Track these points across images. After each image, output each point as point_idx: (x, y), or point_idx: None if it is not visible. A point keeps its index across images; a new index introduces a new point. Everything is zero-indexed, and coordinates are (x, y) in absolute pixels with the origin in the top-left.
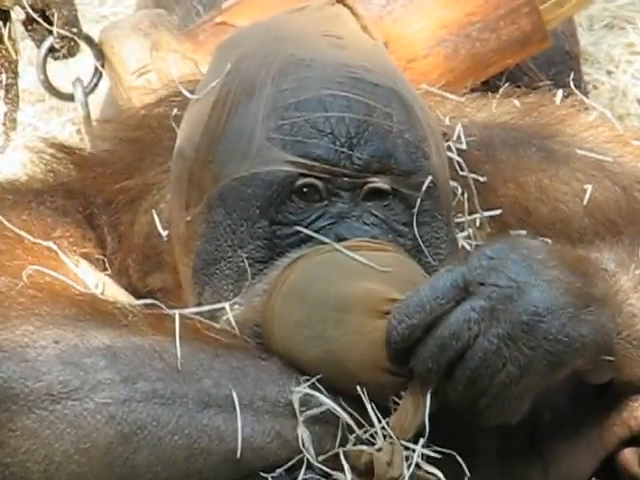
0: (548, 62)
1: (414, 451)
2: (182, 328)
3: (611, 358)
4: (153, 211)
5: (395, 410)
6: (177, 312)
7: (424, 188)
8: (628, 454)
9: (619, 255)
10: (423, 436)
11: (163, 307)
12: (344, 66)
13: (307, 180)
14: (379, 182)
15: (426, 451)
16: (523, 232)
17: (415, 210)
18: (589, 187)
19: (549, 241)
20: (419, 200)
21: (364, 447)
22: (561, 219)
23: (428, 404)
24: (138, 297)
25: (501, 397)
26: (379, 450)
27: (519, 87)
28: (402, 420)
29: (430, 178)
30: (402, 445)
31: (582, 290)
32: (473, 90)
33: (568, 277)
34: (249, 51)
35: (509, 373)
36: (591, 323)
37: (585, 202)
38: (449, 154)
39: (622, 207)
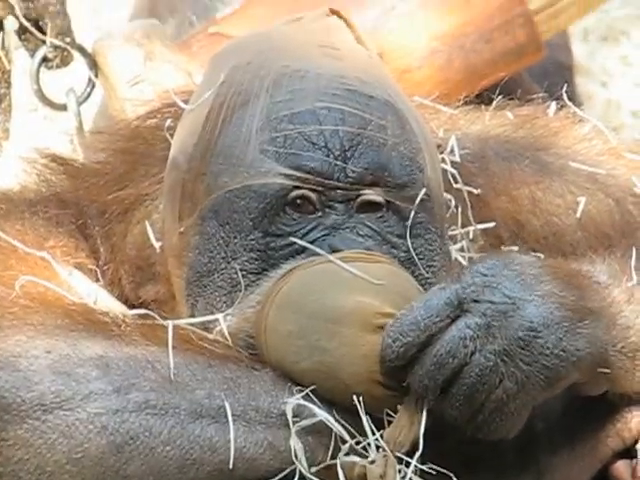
0: (542, 73)
1: (408, 464)
2: (175, 338)
3: (607, 370)
4: (146, 222)
5: (389, 423)
6: (170, 322)
7: (418, 201)
8: (621, 466)
9: (612, 267)
10: (417, 450)
11: (156, 317)
12: (339, 77)
13: (301, 192)
14: (373, 195)
15: (420, 465)
16: (515, 248)
17: (409, 222)
18: (582, 200)
19: (542, 256)
20: (413, 212)
21: (357, 459)
22: (554, 232)
23: (424, 421)
24: (131, 308)
25: (498, 413)
26: (372, 462)
27: (513, 99)
28: (396, 434)
29: (424, 191)
30: (396, 458)
31: (576, 304)
32: (467, 102)
33: (562, 291)
34: (243, 61)
35: (506, 389)
36: (587, 336)
37: (578, 215)
38: (443, 166)
39: (615, 220)
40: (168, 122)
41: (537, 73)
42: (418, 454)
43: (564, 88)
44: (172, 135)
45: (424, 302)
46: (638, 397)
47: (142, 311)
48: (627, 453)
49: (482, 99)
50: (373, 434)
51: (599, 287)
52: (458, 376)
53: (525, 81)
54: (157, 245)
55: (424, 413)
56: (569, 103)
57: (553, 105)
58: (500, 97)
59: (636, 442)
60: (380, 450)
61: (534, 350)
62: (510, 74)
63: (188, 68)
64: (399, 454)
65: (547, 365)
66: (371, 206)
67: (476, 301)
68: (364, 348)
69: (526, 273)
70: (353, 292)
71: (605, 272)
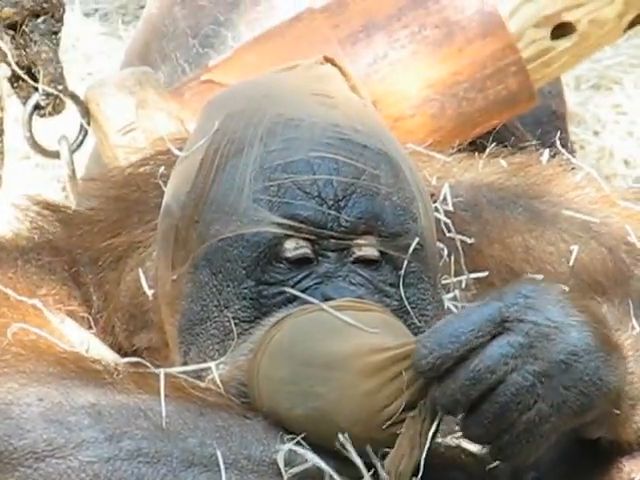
0: (535, 122)
1: None
2: (167, 387)
3: (618, 411)
4: (139, 270)
5: (387, 453)
6: (162, 371)
7: (411, 250)
8: None
9: (613, 313)
10: (418, 474)
11: (148, 365)
12: (333, 126)
13: (294, 241)
14: (367, 250)
15: None
16: (539, 276)
17: (402, 272)
18: (575, 248)
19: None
20: (406, 262)
21: None
22: (547, 280)
23: (428, 443)
24: (124, 356)
25: (527, 435)
26: None
27: (506, 147)
28: (397, 463)
29: (417, 240)
30: None
31: (607, 337)
32: (460, 150)
33: (595, 322)
34: (237, 109)
35: (540, 411)
36: (617, 370)
37: (571, 263)
38: (436, 215)
39: (608, 268)
40: (161, 169)
41: (530, 121)
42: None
43: (557, 136)
44: (165, 182)
45: (465, 316)
46: (629, 447)
47: (134, 359)
48: None
49: (475, 147)
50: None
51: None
52: (491, 393)
53: (518, 129)
54: (149, 293)
55: (430, 434)
56: (562, 151)
57: (546, 153)
58: (493, 145)
59: None
60: None
61: (574, 375)
62: (503, 122)
63: (180, 115)
64: None
65: (584, 392)
66: (366, 261)
67: (520, 320)
68: (361, 389)
69: (564, 300)
70: (348, 339)
71: (610, 316)
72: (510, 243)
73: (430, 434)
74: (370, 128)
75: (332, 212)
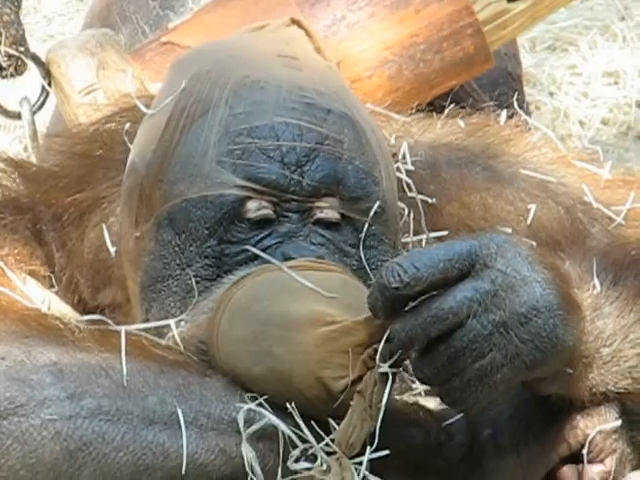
0: (491, 83)
1: (360, 464)
2: (128, 345)
3: (570, 370)
4: (103, 225)
5: (338, 425)
6: (123, 328)
7: (372, 213)
8: (567, 471)
9: (575, 271)
10: (371, 445)
11: (110, 323)
12: (297, 90)
13: (256, 202)
14: (328, 212)
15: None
16: (508, 229)
17: (362, 235)
18: (533, 207)
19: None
20: (367, 225)
21: (308, 464)
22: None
23: (381, 414)
24: (89, 314)
25: (476, 383)
26: (327, 471)
27: (464, 108)
28: (348, 435)
29: (379, 203)
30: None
31: (570, 296)
32: (418, 111)
33: (560, 280)
34: (204, 69)
35: (493, 360)
36: (574, 330)
37: (529, 221)
38: (397, 175)
39: (566, 227)
40: (127, 126)
41: (486, 83)
42: (370, 450)
43: (514, 97)
44: (131, 139)
45: (442, 246)
46: (582, 404)
47: (96, 317)
48: (573, 458)
49: (434, 108)
50: (322, 439)
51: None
52: (449, 336)
53: (475, 91)
54: (112, 250)
55: (382, 404)
56: (519, 111)
57: (503, 114)
58: (451, 106)
59: (582, 447)
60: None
61: (532, 329)
62: (460, 84)
63: (141, 77)
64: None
65: (539, 347)
66: (326, 223)
67: (489, 267)
68: (315, 357)
69: (532, 255)
70: (306, 300)
71: (573, 275)
72: (468, 202)
73: (382, 404)
74: (334, 91)
75: (294, 176)
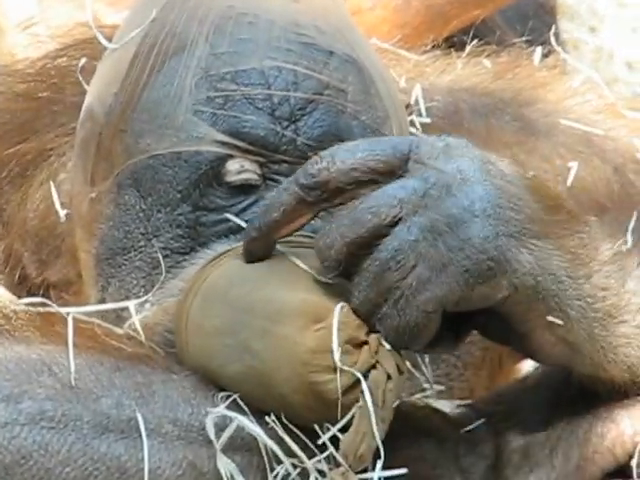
0: (519, 16)
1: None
2: (77, 334)
3: (559, 322)
4: (51, 183)
5: (343, 434)
6: (71, 314)
7: None
8: None
9: (605, 229)
10: (379, 458)
11: (54, 307)
12: (293, 26)
13: (240, 163)
14: None
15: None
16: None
17: None
18: (574, 165)
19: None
20: None
21: None
22: None
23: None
24: (34, 295)
25: (403, 304)
26: None
27: (489, 44)
28: (357, 444)
29: None
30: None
31: (538, 218)
32: (434, 48)
33: (527, 199)
34: None
35: (418, 275)
36: (536, 256)
37: (569, 183)
38: (411, 130)
39: (613, 190)
40: (82, 62)
41: (513, 17)
42: (380, 463)
43: (551, 32)
44: (87, 79)
45: (368, 142)
46: (622, 395)
47: (37, 299)
48: (620, 473)
49: (453, 44)
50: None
51: (582, 235)
52: (373, 249)
53: (500, 26)
54: (62, 213)
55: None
56: (557, 49)
57: (538, 51)
58: (474, 42)
59: (631, 458)
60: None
61: (462, 234)
62: (481, 17)
63: (93, 7)
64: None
65: (471, 257)
66: None
67: (424, 164)
68: (303, 353)
69: (495, 164)
70: (297, 286)
71: (598, 231)
72: None
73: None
74: (337, 28)
75: (287, 133)
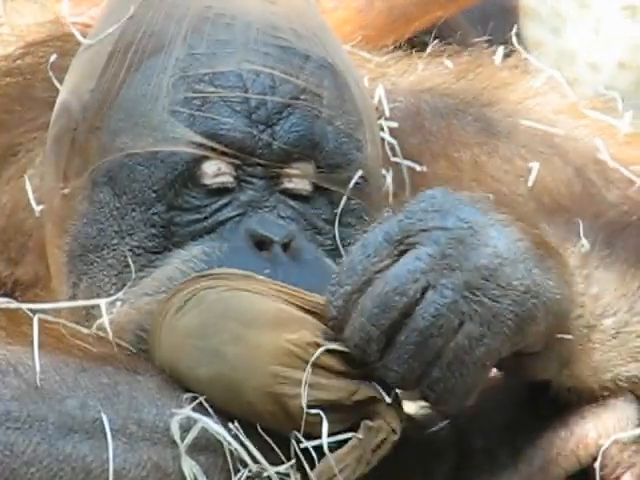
0: (482, 17)
1: None
2: (43, 334)
3: (569, 336)
4: (26, 177)
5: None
6: (37, 315)
7: (352, 184)
8: None
9: (570, 228)
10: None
11: (20, 306)
12: (271, 29)
13: (215, 165)
14: (298, 182)
15: None
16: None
17: (339, 210)
18: (535, 165)
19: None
20: (345, 198)
21: None
22: (500, 203)
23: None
24: (4, 293)
25: (458, 365)
26: None
27: (450, 45)
28: (335, 472)
29: (360, 173)
30: None
31: (541, 239)
32: (395, 49)
33: (526, 224)
34: None
35: (468, 332)
36: (557, 276)
37: (530, 183)
38: (381, 134)
39: (575, 191)
40: (53, 57)
41: (476, 17)
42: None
43: (513, 31)
44: (59, 76)
45: (361, 242)
46: (592, 396)
47: (3, 299)
48: (583, 475)
49: (414, 45)
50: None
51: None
52: (407, 320)
53: (462, 26)
54: (37, 208)
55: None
56: (519, 49)
57: (500, 51)
58: (436, 42)
59: (594, 461)
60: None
61: (501, 281)
62: (444, 17)
63: (59, 9)
64: None
65: (517, 300)
66: (295, 194)
67: (424, 230)
68: (273, 364)
69: (481, 201)
70: (276, 297)
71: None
72: (458, 159)
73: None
74: (314, 32)
75: (263, 136)
